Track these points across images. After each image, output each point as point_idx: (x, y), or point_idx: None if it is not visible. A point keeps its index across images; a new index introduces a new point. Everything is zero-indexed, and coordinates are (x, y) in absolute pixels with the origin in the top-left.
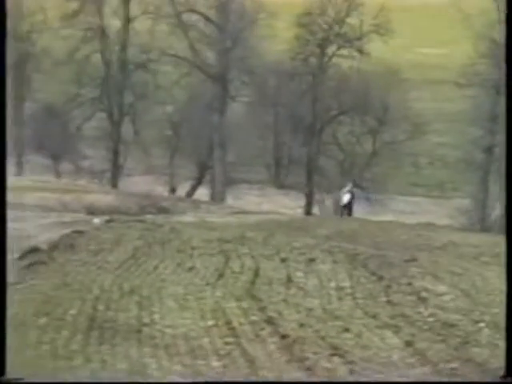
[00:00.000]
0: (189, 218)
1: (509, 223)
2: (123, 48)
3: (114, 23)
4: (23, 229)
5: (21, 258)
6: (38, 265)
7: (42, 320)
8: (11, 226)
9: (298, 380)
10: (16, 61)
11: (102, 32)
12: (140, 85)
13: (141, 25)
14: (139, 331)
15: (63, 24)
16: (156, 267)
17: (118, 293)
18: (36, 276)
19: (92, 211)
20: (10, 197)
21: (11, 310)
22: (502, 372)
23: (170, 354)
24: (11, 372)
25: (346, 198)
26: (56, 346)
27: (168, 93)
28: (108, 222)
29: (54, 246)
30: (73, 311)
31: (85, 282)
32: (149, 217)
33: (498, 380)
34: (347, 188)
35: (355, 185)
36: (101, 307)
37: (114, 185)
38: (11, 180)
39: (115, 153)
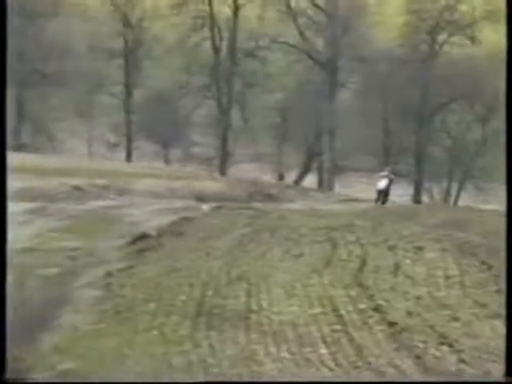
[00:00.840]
0: (297, 205)
1: (509, 223)
2: (232, 36)
3: (224, 10)
4: (133, 215)
5: (131, 243)
6: (148, 250)
7: (152, 305)
8: (123, 212)
9: (298, 380)
10: (128, 48)
11: (212, 20)
12: (249, 72)
13: (250, 12)
14: (247, 318)
15: (173, 12)
16: (264, 254)
17: (225, 279)
18: (146, 261)
19: (201, 198)
20: (121, 183)
21: (123, 294)
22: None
23: (278, 341)
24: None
25: (382, 183)
26: (165, 331)
27: (277, 80)
28: (216, 208)
29: (163, 232)
30: (182, 297)
31: (193, 268)
32: (257, 204)
33: (499, 380)
34: (384, 173)
35: (393, 171)
36: (209, 293)
37: (223, 172)
38: (122, 166)
39: (224, 140)
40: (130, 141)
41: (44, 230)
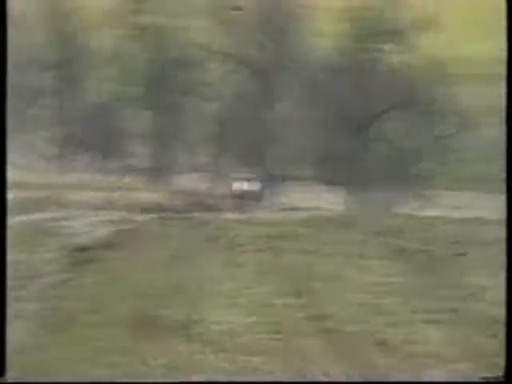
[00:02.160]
0: (236, 215)
1: (509, 223)
2: (166, 45)
3: (157, 20)
4: (71, 227)
5: (70, 255)
6: (87, 262)
7: (91, 317)
8: (61, 224)
9: (298, 380)
10: (63, 59)
11: (148, 30)
12: (186, 82)
13: (184, 21)
14: (187, 328)
15: (109, 22)
16: (204, 264)
17: (166, 290)
18: (84, 274)
19: (139, 209)
20: (58, 195)
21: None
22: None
23: (216, 351)
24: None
25: (236, 185)
26: (104, 343)
27: (214, 89)
28: (155, 219)
29: (101, 244)
30: (121, 308)
31: (132, 279)
32: (196, 214)
33: (498, 380)
34: (238, 175)
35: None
36: (149, 305)
37: (161, 182)
38: (59, 178)
39: (162, 150)
40: (67, 153)
41: None
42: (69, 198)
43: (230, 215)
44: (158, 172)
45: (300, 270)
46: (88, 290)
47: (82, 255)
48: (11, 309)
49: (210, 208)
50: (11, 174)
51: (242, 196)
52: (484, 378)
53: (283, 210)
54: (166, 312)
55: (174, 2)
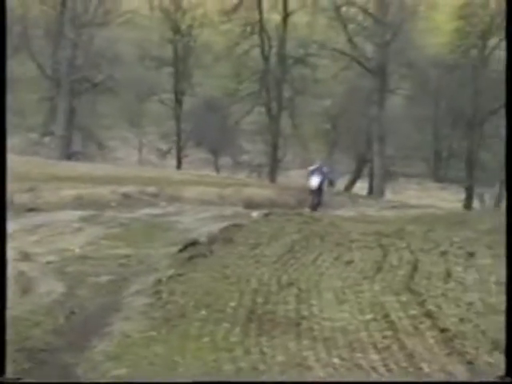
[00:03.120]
0: (347, 211)
1: (509, 223)
2: (282, 42)
3: (273, 18)
4: (183, 222)
5: (181, 250)
6: (198, 257)
7: (202, 312)
8: (173, 220)
9: (298, 380)
10: (177, 55)
11: (261, 27)
12: (299, 79)
13: (299, 19)
14: (298, 324)
15: (223, 19)
16: (314, 260)
17: (276, 286)
18: (196, 268)
19: (250, 205)
20: (171, 191)
21: (173, 301)
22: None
23: (329, 347)
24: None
25: (314, 181)
26: (215, 338)
27: (326, 87)
28: (266, 215)
29: (213, 239)
30: (232, 304)
31: (243, 275)
32: (306, 210)
33: (498, 380)
34: (314, 167)
35: (327, 164)
36: (259, 300)
37: (272, 179)
38: (172, 174)
39: (273, 147)
40: (179, 148)
41: (95, 237)
42: (181, 193)
43: (341, 212)
44: (269, 168)
45: (410, 267)
46: (199, 285)
47: (194, 250)
48: (125, 304)
49: (323, 204)
50: (125, 170)
51: (319, 193)
52: (498, 376)
53: (395, 207)
54: (277, 308)
55: None
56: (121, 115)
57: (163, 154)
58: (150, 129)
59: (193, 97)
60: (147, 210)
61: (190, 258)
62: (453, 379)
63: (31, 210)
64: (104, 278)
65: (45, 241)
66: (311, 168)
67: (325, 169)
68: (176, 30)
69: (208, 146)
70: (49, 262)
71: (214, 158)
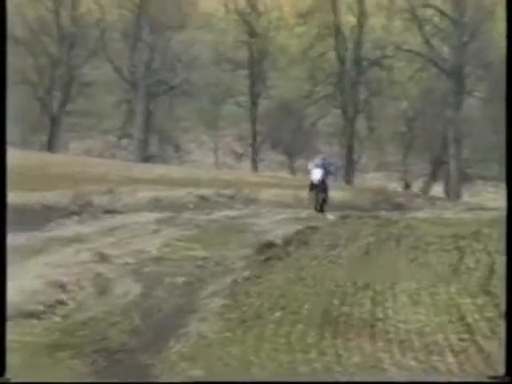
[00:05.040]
0: (424, 214)
1: (509, 222)
2: (357, 45)
3: (349, 20)
4: (259, 224)
5: (257, 252)
6: (274, 259)
7: (278, 314)
8: (249, 222)
9: (298, 380)
10: (253, 58)
11: (337, 29)
12: (374, 81)
13: (375, 20)
14: (373, 326)
15: (299, 21)
16: (389, 263)
17: (351, 288)
18: (272, 270)
19: (326, 207)
20: (247, 193)
21: (249, 303)
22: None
23: (404, 349)
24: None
25: (315, 175)
26: (291, 340)
27: (402, 89)
28: (342, 217)
29: (288, 241)
30: (307, 305)
31: (319, 277)
32: (383, 213)
33: (498, 380)
34: (316, 161)
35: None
36: (335, 302)
37: (348, 181)
38: (248, 176)
39: (349, 149)
40: (255, 151)
41: (172, 239)
42: (257, 195)
43: (418, 214)
44: (345, 170)
45: (487, 270)
46: (275, 286)
47: (270, 252)
48: (201, 305)
49: (398, 207)
50: (201, 172)
51: (323, 189)
52: (491, 377)
53: (471, 209)
54: (352, 310)
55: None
56: (197, 118)
57: (239, 157)
58: (225, 131)
59: (268, 99)
60: (223, 212)
61: (266, 259)
62: None
63: (109, 211)
64: (180, 280)
65: (122, 242)
66: (313, 162)
67: (328, 162)
68: (252, 32)
69: (283, 148)
70: (126, 264)
71: (289, 160)
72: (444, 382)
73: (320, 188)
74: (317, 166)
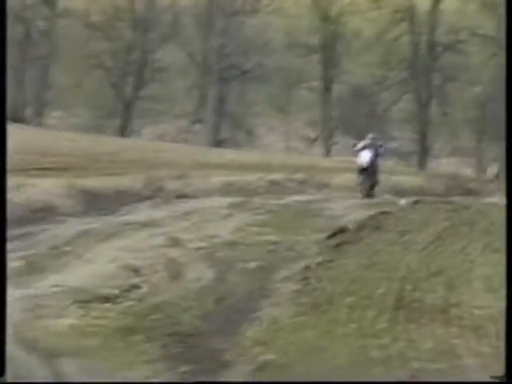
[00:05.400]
0: (497, 199)
1: (509, 219)
2: (432, 29)
3: (423, 4)
4: (331, 209)
5: (330, 237)
6: (346, 244)
7: (350, 299)
8: (321, 207)
9: (298, 380)
10: (325, 43)
11: (411, 13)
12: (448, 66)
13: (449, 4)
14: (446, 311)
15: (372, 6)
16: (463, 248)
17: (424, 273)
18: (344, 255)
19: (399, 192)
20: (319, 178)
21: (321, 288)
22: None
23: (479, 336)
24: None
25: (363, 158)
26: (363, 325)
27: (476, 73)
28: (415, 203)
29: (361, 226)
30: (380, 291)
31: (391, 262)
32: (456, 198)
33: (498, 380)
34: (364, 143)
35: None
36: (408, 287)
37: (421, 166)
38: (319, 161)
39: (423, 134)
40: (327, 135)
41: (244, 224)
42: (329, 180)
43: (490, 199)
44: (418, 156)
45: None
46: (347, 271)
47: (342, 237)
48: (273, 289)
49: (471, 192)
50: (272, 157)
51: (373, 172)
52: (493, 377)
53: None
54: (425, 295)
55: None
56: (269, 103)
57: (311, 142)
58: (297, 116)
59: (341, 84)
60: (295, 197)
61: (338, 244)
62: None
63: (181, 196)
64: (253, 264)
65: (194, 227)
66: (362, 143)
67: (378, 143)
68: (324, 17)
69: (356, 133)
70: (198, 248)
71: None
72: (444, 382)
73: (370, 171)
74: (366, 147)
